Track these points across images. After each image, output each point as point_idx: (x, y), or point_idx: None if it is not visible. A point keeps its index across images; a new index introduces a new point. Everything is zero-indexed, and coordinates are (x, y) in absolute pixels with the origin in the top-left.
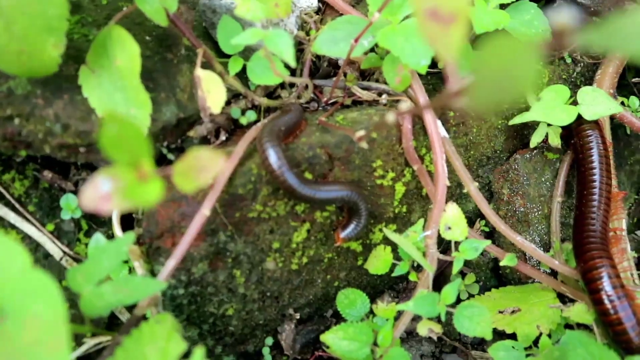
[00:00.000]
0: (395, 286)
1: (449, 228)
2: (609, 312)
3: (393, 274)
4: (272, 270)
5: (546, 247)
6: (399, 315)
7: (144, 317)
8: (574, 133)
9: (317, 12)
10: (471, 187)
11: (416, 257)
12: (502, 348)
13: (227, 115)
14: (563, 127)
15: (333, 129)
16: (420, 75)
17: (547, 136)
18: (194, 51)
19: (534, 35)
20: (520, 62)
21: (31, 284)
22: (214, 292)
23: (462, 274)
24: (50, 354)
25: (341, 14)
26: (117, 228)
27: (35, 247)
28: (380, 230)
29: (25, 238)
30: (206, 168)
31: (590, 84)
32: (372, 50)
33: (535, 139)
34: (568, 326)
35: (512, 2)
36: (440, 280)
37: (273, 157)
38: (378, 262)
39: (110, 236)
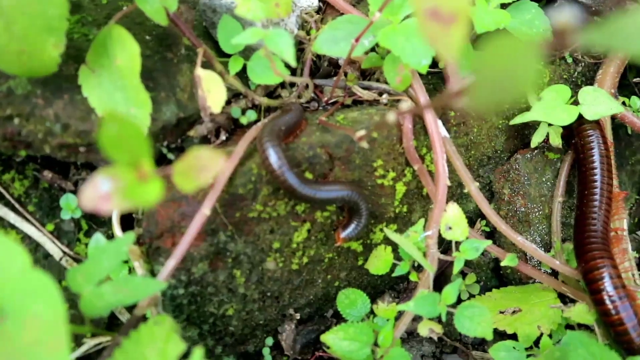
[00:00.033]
0: (395, 286)
1: (450, 228)
2: (610, 313)
3: (393, 274)
4: (272, 270)
5: (547, 247)
6: (399, 315)
7: (144, 317)
8: (575, 133)
9: (317, 12)
10: (472, 187)
11: (417, 257)
12: (503, 348)
13: (228, 114)
14: (564, 127)
15: (333, 129)
16: (420, 75)
17: (548, 136)
18: (194, 51)
19: (535, 34)
20: (521, 62)
21: (31, 284)
22: (214, 292)
23: (463, 274)
24: (50, 354)
25: (342, 14)
26: (117, 228)
27: (35, 247)
28: (381, 230)
29: (25, 238)
30: (206, 168)
31: (592, 84)
32: (372, 49)
33: (536, 139)
34: (569, 326)
35: (513, 2)
36: (440, 280)
37: (273, 156)
38: (378, 262)
39: (110, 236)
